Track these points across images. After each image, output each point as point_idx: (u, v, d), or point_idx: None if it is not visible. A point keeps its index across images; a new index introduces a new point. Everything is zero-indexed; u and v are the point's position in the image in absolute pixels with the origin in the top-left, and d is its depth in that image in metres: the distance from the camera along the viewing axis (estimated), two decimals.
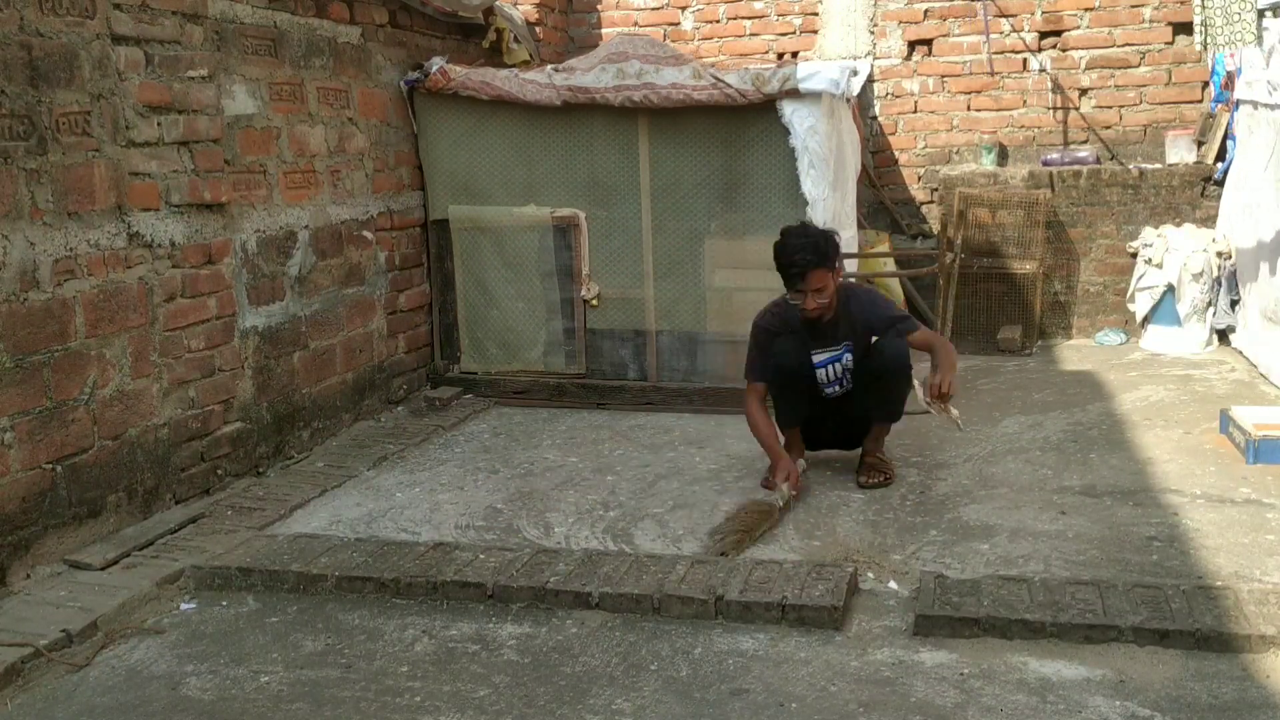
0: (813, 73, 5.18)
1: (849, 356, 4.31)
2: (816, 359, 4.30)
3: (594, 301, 5.72)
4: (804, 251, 4.09)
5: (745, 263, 5.50)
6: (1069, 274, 6.80)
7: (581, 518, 4.08)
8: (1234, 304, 6.21)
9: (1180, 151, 6.64)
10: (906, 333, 4.29)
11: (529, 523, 4.05)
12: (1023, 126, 7.07)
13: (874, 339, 4.29)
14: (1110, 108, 6.93)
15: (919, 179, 7.26)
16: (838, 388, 4.36)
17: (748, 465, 4.61)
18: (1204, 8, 5.49)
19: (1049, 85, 6.96)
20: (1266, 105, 5.64)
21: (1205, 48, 5.60)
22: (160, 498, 4.13)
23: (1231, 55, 6.21)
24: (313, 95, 4.98)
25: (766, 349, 4.32)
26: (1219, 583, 3.28)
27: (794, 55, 7.30)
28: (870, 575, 3.48)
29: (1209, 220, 6.49)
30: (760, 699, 2.81)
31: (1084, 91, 6.95)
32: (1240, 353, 6.08)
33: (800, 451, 4.47)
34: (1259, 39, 5.26)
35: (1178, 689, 2.78)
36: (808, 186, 5.27)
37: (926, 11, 7.11)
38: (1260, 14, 5.28)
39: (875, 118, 7.26)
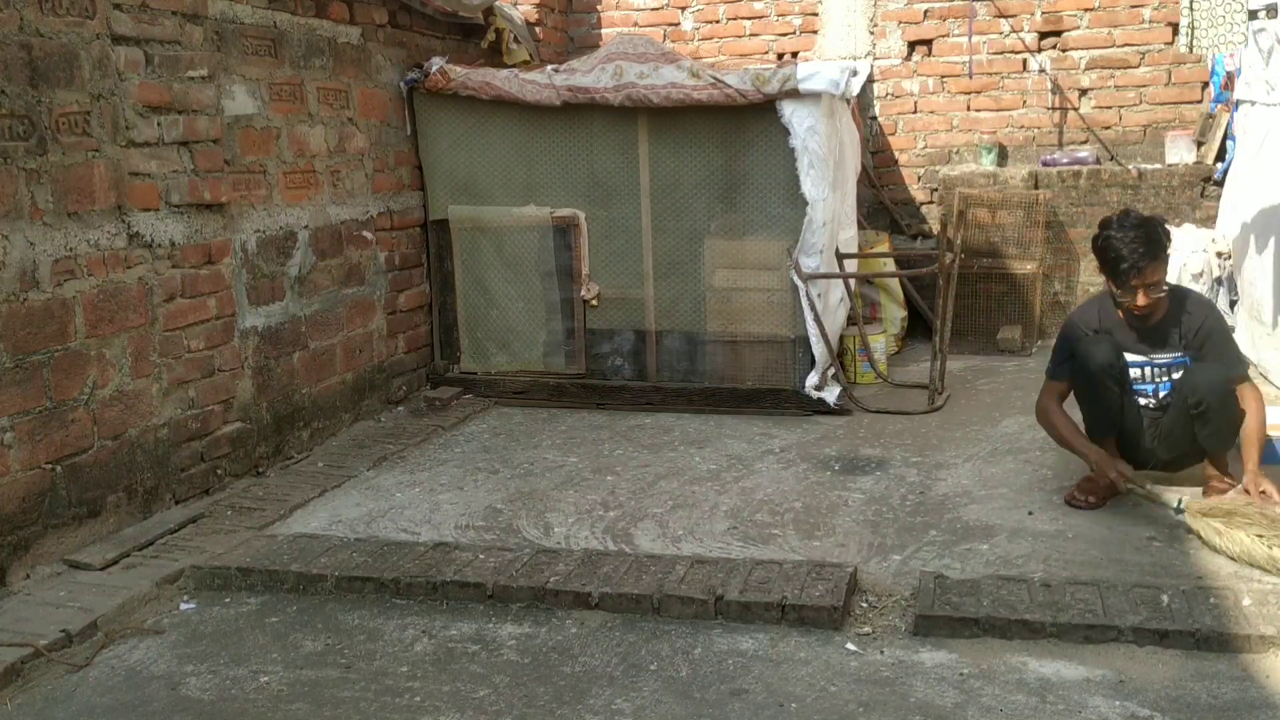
0: (812, 73, 5.18)
1: (1177, 364, 3.89)
2: (1133, 358, 3.92)
3: (594, 301, 5.72)
4: (1137, 244, 3.71)
5: (745, 263, 5.51)
6: (1069, 274, 6.80)
7: (581, 518, 4.08)
8: (1233, 304, 6.21)
9: (1180, 152, 6.65)
10: (1233, 377, 3.81)
11: (529, 523, 4.05)
12: (1022, 127, 7.07)
13: (1192, 360, 3.87)
14: (1110, 108, 6.93)
15: (919, 179, 7.26)
16: (1151, 397, 3.94)
17: (747, 465, 4.62)
18: (1192, 10, 5.50)
19: (1049, 85, 6.96)
20: (1265, 105, 5.64)
21: (1191, 49, 5.61)
22: (160, 498, 4.13)
23: (1231, 55, 6.22)
24: (313, 95, 4.98)
25: (1073, 346, 3.97)
26: (1219, 583, 3.28)
27: (794, 55, 7.30)
28: (870, 575, 3.48)
29: (1209, 220, 6.49)
30: (760, 699, 2.81)
31: (1083, 92, 6.95)
32: None
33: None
34: (1247, 40, 5.25)
35: (1178, 689, 2.78)
36: (808, 186, 5.28)
37: (926, 12, 7.11)
38: (1252, 14, 5.28)
39: (875, 118, 7.26)
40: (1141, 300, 3.78)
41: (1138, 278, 3.74)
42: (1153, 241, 3.74)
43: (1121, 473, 3.83)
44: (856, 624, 3.19)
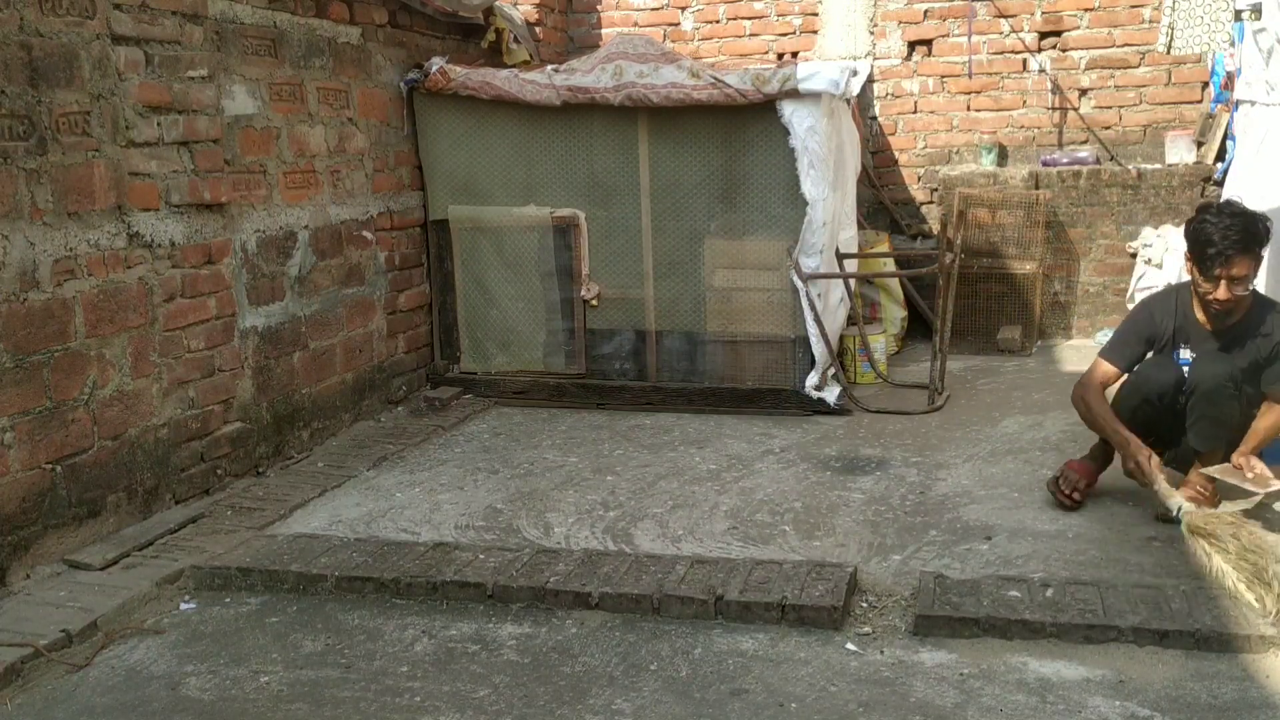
0: (812, 73, 5.18)
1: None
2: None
3: (594, 301, 5.72)
4: (1231, 231, 3.50)
5: (745, 263, 5.51)
6: (1069, 274, 6.81)
7: (581, 518, 4.08)
8: None
9: (1180, 152, 6.65)
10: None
11: (529, 523, 4.05)
12: (1022, 127, 7.07)
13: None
14: (1110, 108, 6.93)
15: (919, 179, 7.26)
16: None
17: (747, 465, 4.62)
18: (1173, 9, 5.50)
19: (1049, 85, 6.96)
20: (1265, 105, 5.63)
21: (1169, 50, 5.60)
22: (160, 498, 4.13)
23: (1231, 55, 6.21)
24: (313, 95, 4.98)
25: (1140, 336, 3.86)
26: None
27: (794, 55, 7.30)
28: (870, 575, 3.48)
29: None
30: (760, 699, 2.81)
31: (1083, 92, 6.95)
32: None
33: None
34: (1233, 40, 5.25)
35: (1178, 689, 2.78)
36: (808, 186, 5.28)
37: (926, 12, 7.11)
38: (1238, 14, 5.28)
39: (875, 118, 7.26)
40: (1223, 294, 3.56)
41: (1223, 266, 3.52)
42: (1249, 233, 3.53)
43: (1141, 467, 3.69)
44: (856, 624, 3.19)
